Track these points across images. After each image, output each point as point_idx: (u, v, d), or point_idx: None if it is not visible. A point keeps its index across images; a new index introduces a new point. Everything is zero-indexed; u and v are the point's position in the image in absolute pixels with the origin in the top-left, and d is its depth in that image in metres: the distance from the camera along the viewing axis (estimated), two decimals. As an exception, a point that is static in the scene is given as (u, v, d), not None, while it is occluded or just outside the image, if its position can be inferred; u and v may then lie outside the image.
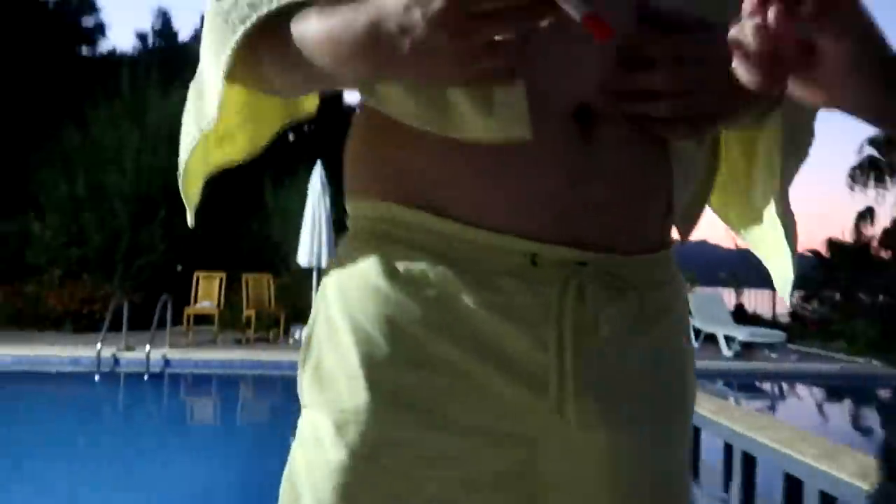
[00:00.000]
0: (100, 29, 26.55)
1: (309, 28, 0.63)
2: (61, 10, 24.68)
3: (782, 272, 0.81)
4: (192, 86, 0.75)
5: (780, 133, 0.74)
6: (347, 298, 0.70)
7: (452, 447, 0.66)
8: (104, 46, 25.25)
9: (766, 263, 0.85)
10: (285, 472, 0.72)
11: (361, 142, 0.75)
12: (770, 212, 0.79)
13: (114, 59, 20.00)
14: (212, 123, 0.70)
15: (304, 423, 0.71)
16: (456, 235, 0.67)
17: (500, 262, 0.66)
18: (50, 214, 11.41)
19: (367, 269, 0.69)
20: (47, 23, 22.62)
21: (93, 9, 26.53)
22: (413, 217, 0.68)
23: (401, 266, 0.68)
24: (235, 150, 0.82)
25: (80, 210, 11.34)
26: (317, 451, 0.67)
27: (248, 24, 0.65)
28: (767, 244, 0.83)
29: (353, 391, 0.66)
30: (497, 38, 0.57)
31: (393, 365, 0.67)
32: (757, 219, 0.83)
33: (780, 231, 0.79)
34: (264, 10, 0.64)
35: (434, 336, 0.66)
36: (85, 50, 24.29)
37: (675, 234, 0.78)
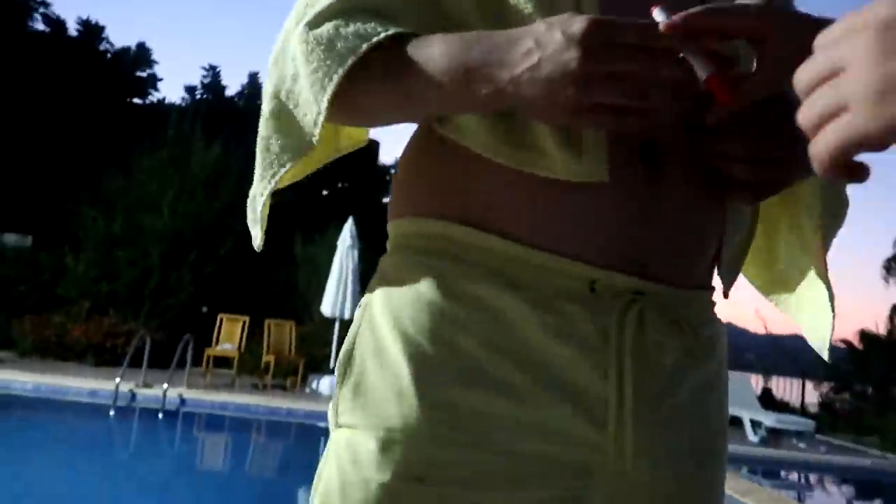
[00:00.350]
0: (152, 81, 27.80)
1: (433, 49, 0.63)
2: (119, 61, 25.95)
3: (820, 329, 0.79)
4: (270, 115, 0.72)
5: (812, 194, 0.76)
6: (398, 314, 0.68)
7: (503, 471, 0.64)
8: (154, 97, 26.39)
9: (797, 321, 0.84)
10: (314, 494, 0.69)
11: (419, 161, 0.75)
12: (801, 271, 0.80)
13: (162, 109, 20.85)
14: (312, 145, 0.68)
15: (339, 443, 0.68)
16: (518, 257, 0.66)
17: (560, 286, 0.65)
18: (85, 250, 11.68)
19: (421, 286, 0.68)
20: (104, 72, 23.77)
21: (148, 62, 27.86)
22: (474, 237, 0.67)
23: (459, 284, 0.67)
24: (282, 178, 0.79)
25: (114, 247, 11.60)
26: (355, 472, 0.65)
27: (364, 48, 0.64)
28: (801, 303, 0.82)
29: (402, 408, 0.65)
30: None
31: (448, 381, 0.65)
32: (781, 277, 0.84)
33: (819, 290, 0.78)
34: (374, 41, 0.64)
35: (492, 356, 0.65)
36: (136, 99, 25.37)
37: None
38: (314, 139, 0.67)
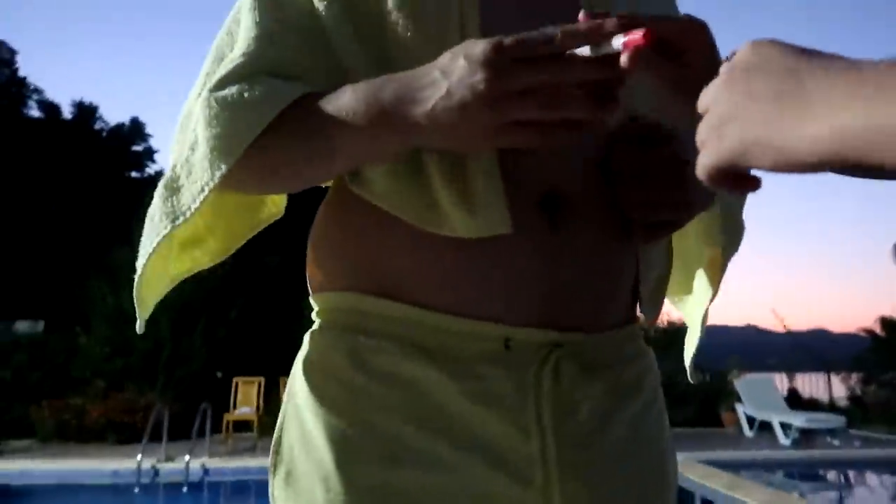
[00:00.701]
0: (148, 154, 28.28)
1: (344, 100, 0.62)
2: (114, 137, 26.42)
3: (689, 344, 0.84)
4: (163, 186, 0.70)
5: (712, 220, 0.78)
6: (319, 396, 0.68)
7: None
8: (152, 169, 26.79)
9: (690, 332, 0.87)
10: None
11: (329, 231, 0.74)
12: (698, 286, 0.84)
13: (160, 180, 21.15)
14: (190, 214, 0.66)
15: None
16: (431, 324, 0.66)
17: (476, 349, 0.66)
18: (96, 327, 11.74)
19: (340, 365, 0.68)
20: (101, 150, 24.18)
21: (143, 136, 28.37)
22: (387, 308, 0.68)
23: (375, 359, 0.67)
24: (204, 256, 0.79)
25: (124, 321, 11.65)
26: None
27: (271, 113, 0.62)
28: (692, 315, 0.86)
29: (329, 494, 0.64)
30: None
31: (371, 462, 0.65)
32: (687, 290, 0.87)
33: (701, 306, 0.83)
34: (282, 104, 0.63)
35: (413, 430, 0.65)
36: (135, 173, 25.76)
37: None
38: (195, 206, 0.65)
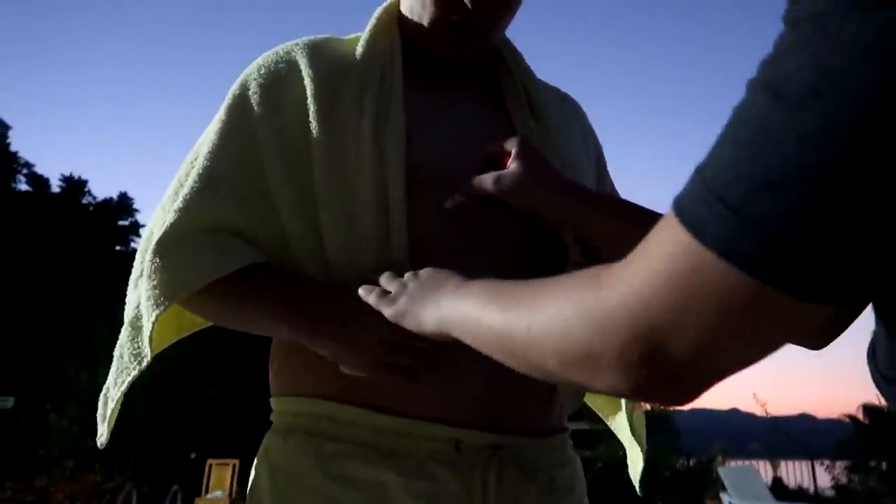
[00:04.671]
0: (134, 229, 28.28)
1: (271, 305, 0.74)
2: (101, 211, 26.50)
3: (636, 461, 0.93)
4: (129, 324, 0.81)
5: None
6: (285, 500, 0.73)
7: None
8: (136, 244, 26.77)
9: (627, 448, 0.96)
10: None
11: (293, 341, 0.79)
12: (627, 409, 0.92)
13: (145, 255, 21.06)
14: (148, 359, 0.77)
15: None
16: (389, 428, 0.72)
17: (429, 449, 0.72)
18: (69, 405, 11.45)
19: (304, 471, 0.73)
20: (87, 223, 24.20)
21: (130, 211, 28.48)
22: (347, 413, 0.74)
23: (341, 465, 0.72)
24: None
25: (98, 400, 11.39)
26: None
27: (183, 293, 0.72)
28: (627, 434, 0.94)
29: None
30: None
31: None
32: (618, 408, 0.96)
33: (638, 426, 0.92)
34: (198, 285, 0.72)
35: None
36: (119, 247, 25.72)
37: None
38: (146, 359, 0.76)
